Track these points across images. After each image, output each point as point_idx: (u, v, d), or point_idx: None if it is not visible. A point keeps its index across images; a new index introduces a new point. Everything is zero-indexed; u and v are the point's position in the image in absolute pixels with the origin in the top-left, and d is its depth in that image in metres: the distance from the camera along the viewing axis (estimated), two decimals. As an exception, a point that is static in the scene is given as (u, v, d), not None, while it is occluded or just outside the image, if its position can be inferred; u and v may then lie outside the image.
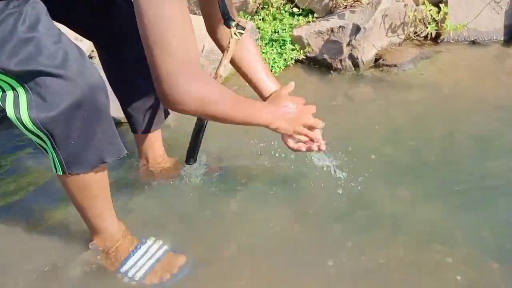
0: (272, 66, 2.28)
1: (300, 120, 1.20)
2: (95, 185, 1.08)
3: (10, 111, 0.94)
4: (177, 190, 1.49)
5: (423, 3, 2.36)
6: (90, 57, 2.31)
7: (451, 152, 1.65)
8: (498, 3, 2.47)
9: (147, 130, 1.47)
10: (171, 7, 0.85)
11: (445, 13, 2.37)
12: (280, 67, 2.30)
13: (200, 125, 1.33)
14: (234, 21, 1.18)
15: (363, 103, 2.03)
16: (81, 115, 0.95)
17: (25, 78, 0.92)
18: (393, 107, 1.95)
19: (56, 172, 1.04)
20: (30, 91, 0.92)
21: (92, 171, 1.04)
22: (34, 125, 0.93)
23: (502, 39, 2.43)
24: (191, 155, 1.39)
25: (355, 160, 1.55)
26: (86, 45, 1.96)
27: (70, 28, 1.27)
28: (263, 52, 2.32)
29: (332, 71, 2.28)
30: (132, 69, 1.31)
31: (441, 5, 2.39)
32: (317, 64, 2.33)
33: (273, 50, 2.35)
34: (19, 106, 0.93)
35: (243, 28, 1.19)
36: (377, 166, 1.55)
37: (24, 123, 0.94)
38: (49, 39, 0.93)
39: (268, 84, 1.28)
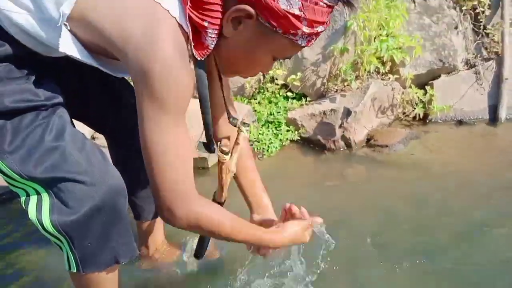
0: (268, 147, 2.37)
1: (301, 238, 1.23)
2: (107, 283, 1.08)
3: (32, 214, 0.97)
4: (176, 278, 1.49)
5: (410, 87, 2.51)
6: (93, 138, 2.41)
7: (445, 234, 1.68)
8: (481, 85, 2.62)
9: (150, 217, 1.50)
10: (170, 132, 0.92)
11: (431, 95, 2.51)
12: (276, 147, 2.38)
13: None
14: (237, 119, 1.22)
15: (357, 183, 2.09)
16: (100, 218, 0.98)
17: (50, 184, 0.95)
18: (386, 187, 2.01)
19: (70, 269, 1.04)
20: (53, 196, 0.95)
21: (105, 270, 1.06)
22: (54, 228, 0.95)
23: (487, 118, 2.55)
24: (200, 251, 1.39)
25: (351, 244, 1.57)
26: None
27: (84, 123, 1.36)
28: (259, 134, 2.42)
29: (326, 151, 2.37)
30: (137, 157, 1.37)
31: (427, 88, 2.54)
32: (312, 144, 2.42)
33: (269, 131, 2.46)
34: (42, 209, 0.96)
35: (248, 124, 1.24)
36: (374, 251, 1.57)
37: (45, 225, 0.96)
38: (74, 146, 0.98)
39: (265, 202, 1.35)
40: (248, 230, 1.10)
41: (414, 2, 2.71)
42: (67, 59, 1.00)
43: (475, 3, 2.76)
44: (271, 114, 2.52)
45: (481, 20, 2.77)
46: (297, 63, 2.52)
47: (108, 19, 0.91)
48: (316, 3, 0.90)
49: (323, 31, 0.96)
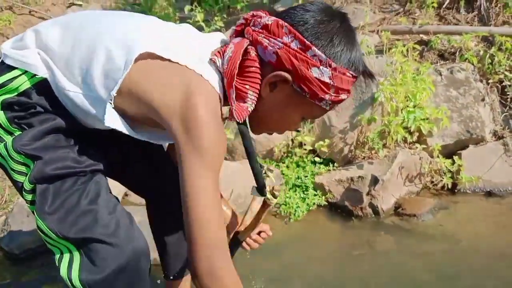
0: (295, 210, 2.41)
1: None
2: None
3: (63, 271, 1.04)
4: None
5: (438, 156, 2.54)
6: (126, 195, 2.51)
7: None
8: (510, 156, 2.63)
9: (179, 276, 1.54)
10: (208, 182, 0.97)
11: (460, 165, 2.52)
12: (303, 211, 2.41)
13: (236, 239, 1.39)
14: (267, 190, 1.26)
15: (384, 253, 2.08)
16: (124, 277, 1.05)
17: (81, 244, 1.04)
18: (413, 258, 1.99)
19: None
20: (83, 255, 1.04)
21: None
22: (82, 285, 1.03)
23: (517, 190, 2.53)
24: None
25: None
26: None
27: (121, 183, 1.45)
28: (287, 197, 2.47)
29: (353, 218, 2.38)
30: (173, 220, 1.45)
31: (455, 158, 2.56)
32: (339, 210, 2.44)
33: (296, 195, 2.50)
34: (72, 267, 1.04)
35: (276, 196, 1.27)
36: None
37: (73, 282, 1.03)
38: (105, 210, 1.07)
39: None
40: None
41: (441, 75, 2.80)
42: (111, 130, 1.10)
43: (501, 76, 2.84)
44: (298, 178, 2.58)
45: (508, 92, 2.83)
46: (325, 130, 2.61)
47: (154, 93, 1.01)
48: (344, 74, 1.01)
49: (346, 98, 1.07)
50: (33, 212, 1.09)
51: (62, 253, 1.07)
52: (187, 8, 3.84)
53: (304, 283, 1.88)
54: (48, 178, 1.05)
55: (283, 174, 2.61)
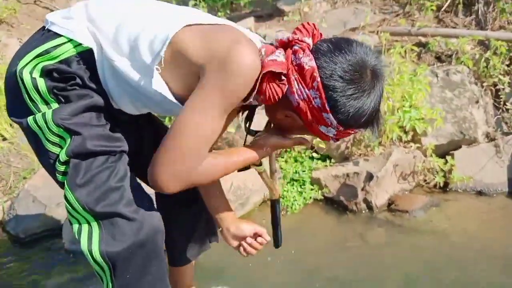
0: (292, 204, 2.49)
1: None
2: None
3: (83, 243, 1.12)
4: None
5: (431, 156, 2.63)
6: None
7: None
8: (501, 157, 2.71)
9: (184, 262, 1.61)
10: (213, 115, 1.04)
11: (452, 165, 2.61)
12: (299, 205, 2.50)
13: (273, 205, 1.44)
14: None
15: (376, 246, 2.17)
16: (141, 252, 1.13)
17: (103, 217, 1.12)
18: (404, 252, 2.08)
19: None
20: (103, 228, 1.12)
21: None
22: (101, 257, 1.11)
23: (506, 191, 2.61)
24: (277, 239, 1.47)
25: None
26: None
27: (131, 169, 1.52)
28: (284, 191, 2.55)
29: (348, 212, 2.46)
30: (180, 208, 1.52)
31: (448, 157, 2.65)
32: (334, 204, 2.53)
33: (293, 188, 2.59)
34: (92, 240, 1.12)
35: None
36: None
37: (93, 254, 1.11)
38: (131, 188, 1.16)
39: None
40: (232, 159, 1.17)
41: (437, 76, 2.88)
42: (135, 117, 1.18)
43: (496, 80, 2.92)
44: (296, 173, 2.66)
45: (501, 96, 2.91)
46: (324, 126, 2.69)
47: (200, 45, 1.06)
48: (348, 133, 1.12)
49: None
50: (61, 184, 1.16)
51: (80, 225, 1.14)
52: (191, 3, 3.90)
53: (299, 272, 1.97)
54: (85, 153, 1.12)
55: (282, 168, 2.69)
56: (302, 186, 2.60)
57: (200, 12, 1.21)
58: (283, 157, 2.77)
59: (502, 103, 2.90)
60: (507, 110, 2.90)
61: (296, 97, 1.07)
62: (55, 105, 1.13)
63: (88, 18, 1.15)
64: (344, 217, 2.43)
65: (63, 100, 1.13)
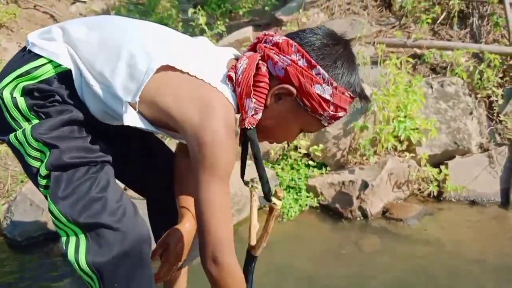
0: (288, 210, 2.52)
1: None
2: None
3: (70, 254, 1.13)
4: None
5: (425, 165, 2.66)
6: (125, 189, 2.60)
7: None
8: (494, 168, 2.76)
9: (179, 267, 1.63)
10: (220, 193, 1.09)
11: (446, 175, 2.65)
12: (295, 212, 2.53)
13: (250, 259, 1.38)
14: (272, 194, 1.33)
15: (370, 254, 2.20)
16: (128, 261, 1.14)
17: (89, 228, 1.13)
18: (398, 260, 2.11)
19: None
20: (89, 239, 1.13)
21: None
22: (89, 267, 1.12)
23: (499, 200, 2.65)
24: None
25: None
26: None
27: (118, 178, 1.53)
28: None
29: (343, 219, 2.49)
30: (167, 211, 1.54)
31: (442, 167, 2.69)
32: (330, 211, 2.56)
33: (289, 196, 2.61)
34: (79, 250, 1.13)
35: (280, 198, 1.30)
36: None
37: (80, 264, 1.12)
38: (114, 198, 1.16)
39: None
40: None
41: (432, 88, 2.93)
42: (118, 126, 1.19)
43: (489, 92, 2.98)
44: (292, 180, 2.69)
45: (494, 107, 2.97)
46: (320, 135, 2.73)
47: (172, 103, 1.11)
48: (343, 93, 1.12)
49: (342, 116, 1.18)
50: (45, 197, 1.17)
51: (68, 236, 1.15)
52: (190, 10, 3.95)
53: (294, 279, 1.99)
54: (64, 166, 1.14)
55: (278, 175, 2.72)
56: (298, 194, 2.63)
57: (178, 38, 1.22)
58: (279, 164, 2.80)
59: (495, 114, 2.95)
60: (501, 121, 2.95)
61: (281, 64, 1.10)
62: (35, 122, 1.15)
63: (66, 40, 1.18)
64: (339, 224, 2.46)
65: (43, 117, 1.15)
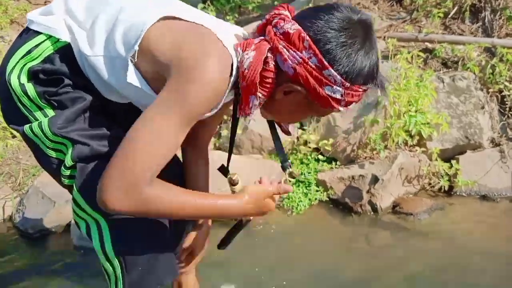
0: (297, 204, 2.51)
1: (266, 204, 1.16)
2: None
3: (96, 242, 1.13)
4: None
5: (436, 160, 2.65)
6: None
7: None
8: (505, 163, 2.73)
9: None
10: (166, 124, 0.97)
11: (457, 169, 2.63)
12: (305, 206, 2.52)
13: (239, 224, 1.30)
14: (290, 167, 1.25)
15: (381, 248, 2.19)
16: (151, 245, 1.15)
17: (111, 214, 1.11)
18: (409, 255, 2.10)
19: None
20: (111, 225, 1.12)
21: None
22: (114, 253, 1.12)
23: (510, 195, 2.62)
24: (225, 242, 1.34)
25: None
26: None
27: None
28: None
29: (353, 214, 2.48)
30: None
31: (453, 162, 2.67)
32: (339, 206, 2.55)
33: (299, 190, 2.61)
34: (103, 238, 1.13)
35: (294, 178, 1.25)
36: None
37: (107, 251, 1.12)
38: None
39: None
40: (198, 201, 1.06)
41: (443, 82, 2.91)
42: (126, 106, 1.17)
43: (501, 86, 2.94)
44: (302, 174, 2.68)
45: (507, 102, 2.93)
46: (330, 129, 2.72)
47: (170, 47, 1.01)
48: (356, 91, 1.04)
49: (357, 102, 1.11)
50: (67, 186, 1.17)
51: (89, 226, 1.15)
52: (200, 6, 3.95)
53: (303, 273, 1.99)
54: (90, 156, 1.12)
55: (287, 170, 2.71)
56: (308, 188, 2.62)
57: (183, 5, 1.15)
58: (289, 159, 2.80)
59: (507, 109, 2.92)
60: (513, 116, 2.91)
61: (290, 63, 1.01)
62: (49, 111, 1.13)
63: (66, 11, 1.13)
64: (349, 218, 2.45)
65: (56, 105, 1.12)
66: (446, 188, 2.62)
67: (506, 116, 2.93)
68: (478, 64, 3.00)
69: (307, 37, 1.00)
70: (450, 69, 3.13)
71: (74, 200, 1.14)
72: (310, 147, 2.78)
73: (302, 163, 2.77)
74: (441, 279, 1.91)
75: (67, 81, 1.12)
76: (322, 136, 2.75)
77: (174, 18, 1.06)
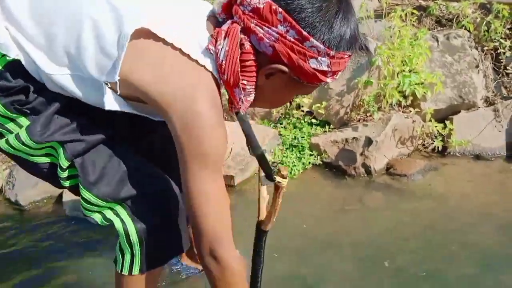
0: (291, 169, 2.50)
1: None
2: (152, 280, 1.20)
3: (118, 226, 1.11)
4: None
5: (430, 120, 2.62)
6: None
7: (459, 264, 1.77)
8: (499, 122, 2.71)
9: None
10: (212, 185, 1.00)
11: (451, 130, 2.61)
12: (299, 170, 2.51)
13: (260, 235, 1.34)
14: (275, 172, 1.21)
15: (375, 210, 2.19)
16: (168, 221, 1.14)
17: (127, 200, 1.10)
18: (403, 215, 2.11)
19: (130, 273, 1.14)
20: (128, 209, 1.10)
21: (152, 274, 1.17)
22: (137, 234, 1.10)
23: (504, 154, 2.62)
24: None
25: (366, 266, 1.68)
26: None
27: None
28: (283, 156, 2.56)
29: (346, 176, 2.47)
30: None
31: (447, 122, 2.65)
32: (333, 169, 2.54)
33: (292, 154, 2.59)
34: (124, 221, 1.10)
35: (285, 177, 1.20)
36: (388, 275, 1.67)
37: (130, 234, 1.10)
38: (143, 166, 1.16)
39: None
40: None
41: (437, 41, 2.84)
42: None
43: (496, 44, 2.89)
44: (295, 139, 2.66)
45: (501, 60, 2.88)
46: (323, 92, 2.67)
47: (150, 83, 0.96)
48: (342, 58, 0.98)
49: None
50: (70, 188, 1.13)
51: (105, 215, 1.11)
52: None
53: (298, 236, 1.99)
54: (83, 149, 1.07)
55: (281, 134, 2.68)
56: (301, 152, 2.60)
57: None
58: (281, 123, 2.77)
59: (502, 67, 2.87)
60: (507, 74, 2.87)
61: (267, 41, 0.93)
62: (22, 119, 1.05)
63: (3, 13, 0.99)
64: (343, 181, 2.45)
65: (29, 112, 1.04)
66: (440, 149, 2.61)
67: (500, 75, 2.89)
68: (473, 21, 2.93)
69: (280, 9, 0.91)
70: (444, 27, 3.06)
71: (83, 199, 1.09)
72: (303, 111, 2.74)
73: (295, 127, 2.74)
74: (437, 239, 1.93)
75: (32, 88, 1.04)
76: (315, 100, 2.70)
77: (145, 31, 0.95)
